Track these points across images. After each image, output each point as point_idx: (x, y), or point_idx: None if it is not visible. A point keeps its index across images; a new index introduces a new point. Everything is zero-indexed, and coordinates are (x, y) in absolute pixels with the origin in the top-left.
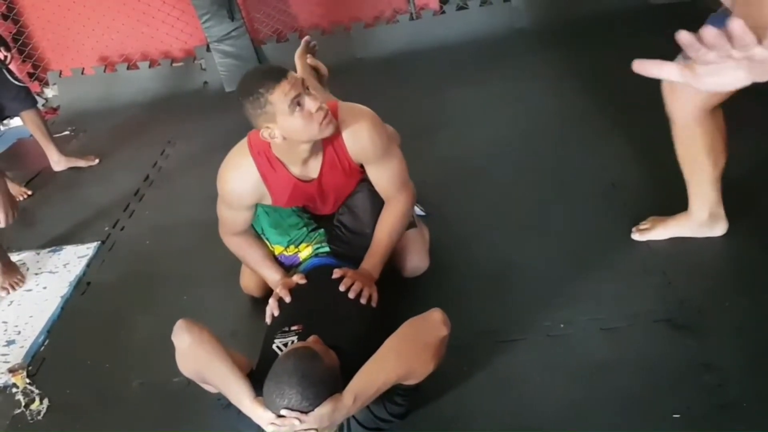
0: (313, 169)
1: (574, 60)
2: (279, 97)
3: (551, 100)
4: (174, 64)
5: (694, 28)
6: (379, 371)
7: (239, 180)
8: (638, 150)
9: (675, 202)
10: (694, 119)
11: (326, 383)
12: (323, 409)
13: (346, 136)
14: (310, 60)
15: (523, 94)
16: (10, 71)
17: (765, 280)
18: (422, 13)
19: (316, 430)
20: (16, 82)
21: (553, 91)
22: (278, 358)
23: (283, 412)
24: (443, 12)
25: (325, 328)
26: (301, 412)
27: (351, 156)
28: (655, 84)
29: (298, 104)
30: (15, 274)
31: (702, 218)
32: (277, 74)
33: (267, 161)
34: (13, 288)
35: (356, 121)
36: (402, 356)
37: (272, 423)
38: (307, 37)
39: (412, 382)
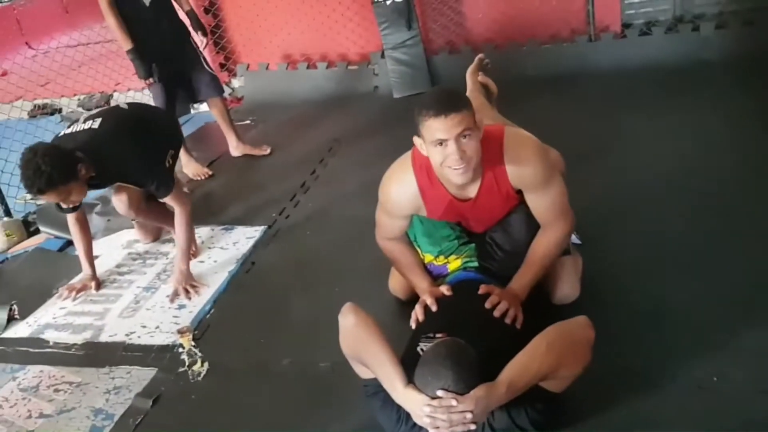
0: (471, 189)
1: (764, 100)
2: (430, 127)
3: (732, 141)
4: (349, 67)
5: None
6: (530, 361)
7: (399, 191)
8: None
9: None
10: None
11: (479, 369)
12: (479, 392)
13: (509, 163)
14: (481, 77)
15: (701, 129)
16: (205, 59)
17: None
18: (602, 36)
19: (472, 412)
20: (210, 70)
21: (736, 132)
22: (428, 348)
23: (439, 393)
24: (624, 36)
25: (468, 340)
26: (458, 393)
27: (511, 183)
28: None
29: (440, 144)
30: (192, 279)
31: None
32: (445, 106)
33: (427, 176)
34: (187, 294)
35: (520, 150)
36: (553, 348)
37: (429, 405)
38: (480, 55)
39: (558, 384)
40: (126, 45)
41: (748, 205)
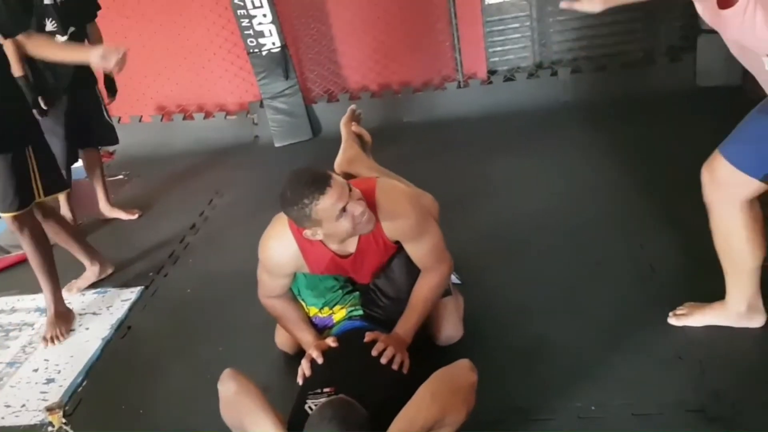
0: (351, 245)
1: (620, 137)
2: (325, 207)
3: (594, 176)
4: (228, 117)
5: (739, 112)
6: (417, 413)
7: (279, 251)
8: (680, 233)
9: (715, 288)
10: (732, 210)
11: (368, 426)
12: None
13: (383, 217)
14: (355, 128)
15: (567, 168)
16: (106, 109)
17: None
18: (470, 82)
19: None
20: (109, 119)
21: (597, 167)
22: (315, 409)
23: None
24: (491, 82)
25: (357, 391)
26: None
27: (387, 235)
28: (700, 168)
29: (344, 211)
30: (64, 323)
31: (740, 309)
32: (322, 184)
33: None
34: (55, 341)
35: (392, 204)
36: (437, 397)
37: None
38: (353, 106)
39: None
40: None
41: (610, 238)
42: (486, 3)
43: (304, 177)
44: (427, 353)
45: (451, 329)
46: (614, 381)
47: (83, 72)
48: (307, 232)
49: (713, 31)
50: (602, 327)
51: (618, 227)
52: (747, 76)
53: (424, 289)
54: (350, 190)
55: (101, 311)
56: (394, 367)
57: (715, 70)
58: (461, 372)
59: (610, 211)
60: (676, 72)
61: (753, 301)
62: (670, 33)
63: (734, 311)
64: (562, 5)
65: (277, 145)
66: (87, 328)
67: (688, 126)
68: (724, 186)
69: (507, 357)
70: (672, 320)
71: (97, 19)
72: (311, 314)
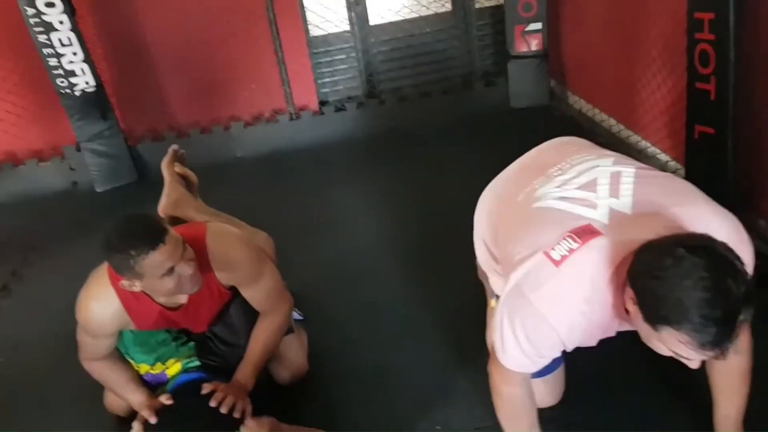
0: (181, 296)
1: (446, 158)
2: (153, 264)
3: (424, 198)
4: (41, 164)
5: (548, 128)
6: None
7: (100, 310)
8: None
9: None
10: None
11: None
12: None
13: (215, 265)
14: (178, 168)
15: (400, 193)
16: None
17: None
18: (302, 114)
19: None
20: None
21: (426, 190)
22: None
23: None
24: (322, 113)
25: None
26: None
27: (221, 283)
28: None
29: (172, 270)
30: None
31: None
32: (155, 239)
33: (129, 291)
34: None
35: (224, 250)
36: None
37: None
38: (174, 146)
39: None
40: None
41: (445, 258)
42: (311, 35)
43: (138, 226)
44: (272, 394)
45: (295, 367)
46: (455, 399)
47: None
48: (124, 282)
49: (520, 57)
50: (442, 347)
51: (450, 246)
52: (554, 96)
53: (264, 333)
54: (184, 249)
55: None
56: (236, 415)
57: (525, 92)
58: None
59: (441, 231)
60: (492, 95)
61: None
62: (484, 59)
63: None
64: None
65: (98, 190)
66: None
67: (503, 143)
68: None
69: (353, 388)
70: None
71: None
72: (142, 372)
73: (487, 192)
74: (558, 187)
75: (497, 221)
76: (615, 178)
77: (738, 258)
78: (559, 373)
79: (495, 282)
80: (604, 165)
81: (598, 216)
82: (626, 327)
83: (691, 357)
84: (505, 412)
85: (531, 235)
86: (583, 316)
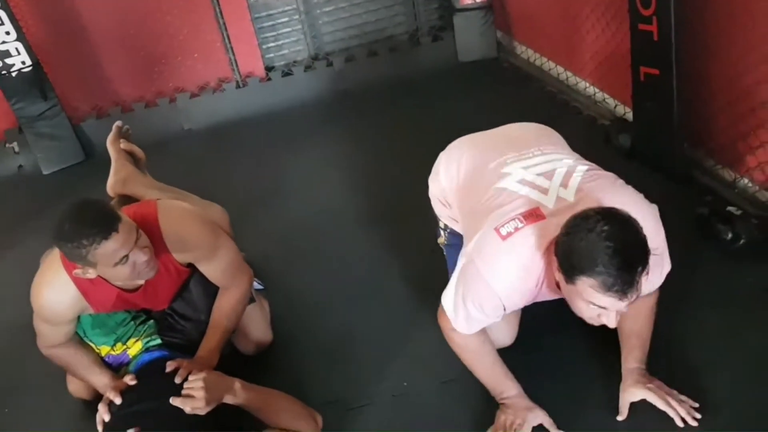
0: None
1: (399, 119)
2: (105, 253)
3: (379, 162)
4: None
5: (496, 80)
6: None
7: (56, 297)
8: None
9: None
10: None
11: None
12: None
13: (170, 244)
14: (124, 145)
15: (353, 157)
16: None
17: None
18: (249, 81)
19: None
20: None
21: (378, 152)
22: None
23: None
24: (269, 79)
25: (163, 426)
26: None
27: (178, 261)
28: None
29: (126, 258)
30: None
31: None
32: (107, 228)
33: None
34: None
35: (178, 228)
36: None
37: None
38: (118, 122)
39: None
40: None
41: (403, 220)
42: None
43: (89, 215)
44: (238, 365)
45: (259, 335)
46: (419, 356)
47: None
48: (78, 271)
49: (466, 9)
50: (401, 308)
51: (408, 212)
52: (501, 48)
53: (225, 307)
54: (138, 235)
55: None
56: None
57: (473, 45)
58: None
59: (397, 191)
60: (439, 51)
61: None
62: (430, 14)
63: None
64: None
65: (45, 172)
66: None
67: (454, 99)
68: None
69: (319, 354)
70: None
71: None
72: (103, 354)
73: (465, 142)
74: (524, 168)
75: (464, 179)
76: (570, 171)
77: (638, 223)
78: (512, 316)
79: (440, 211)
80: (566, 160)
81: (546, 201)
82: (560, 294)
83: (604, 304)
84: (467, 356)
85: (488, 214)
86: (520, 281)
